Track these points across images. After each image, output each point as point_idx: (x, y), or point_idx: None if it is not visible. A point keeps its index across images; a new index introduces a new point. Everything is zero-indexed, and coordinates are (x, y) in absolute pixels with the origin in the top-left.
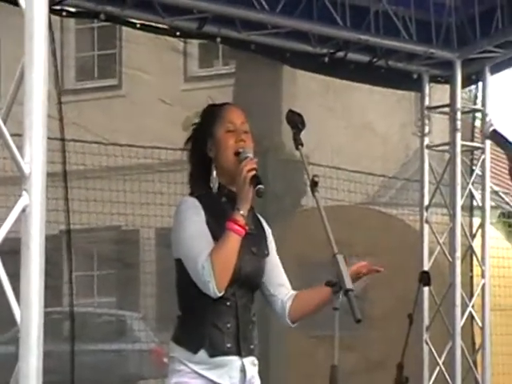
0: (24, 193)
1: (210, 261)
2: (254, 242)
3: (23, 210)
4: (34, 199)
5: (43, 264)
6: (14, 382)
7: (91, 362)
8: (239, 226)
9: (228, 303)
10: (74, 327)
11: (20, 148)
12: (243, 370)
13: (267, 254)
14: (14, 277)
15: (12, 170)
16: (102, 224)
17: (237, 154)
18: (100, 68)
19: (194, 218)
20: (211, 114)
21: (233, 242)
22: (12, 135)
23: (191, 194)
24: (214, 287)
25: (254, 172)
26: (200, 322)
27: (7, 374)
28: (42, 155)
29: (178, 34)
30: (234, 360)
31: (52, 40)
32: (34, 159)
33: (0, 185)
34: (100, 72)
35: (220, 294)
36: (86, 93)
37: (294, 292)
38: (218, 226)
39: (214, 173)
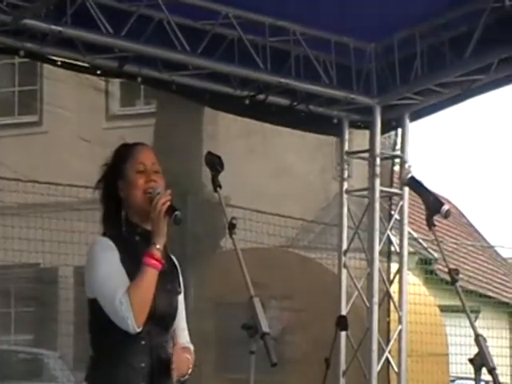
0: None
1: (127, 296)
2: (168, 280)
3: None
4: None
5: None
6: None
7: None
8: (156, 260)
9: (143, 342)
10: None
11: None
12: None
13: (180, 292)
14: None
15: None
16: (20, 261)
17: (147, 192)
18: (20, 104)
19: (108, 257)
20: (122, 155)
21: (150, 276)
22: None
23: (104, 234)
24: (132, 322)
25: (168, 203)
26: (114, 361)
27: None
28: None
29: (98, 72)
30: None
31: None
32: None
33: None
34: (20, 108)
35: (139, 330)
36: (5, 129)
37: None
38: (132, 265)
39: (123, 213)
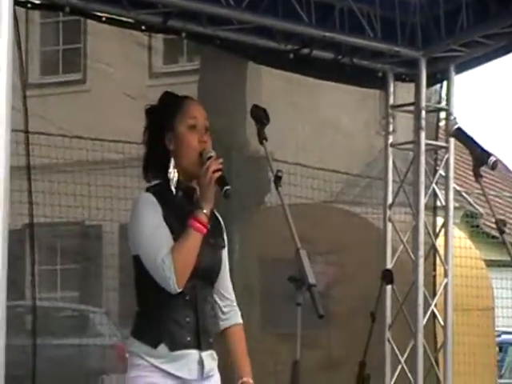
0: None
1: (171, 256)
2: (211, 234)
3: None
4: None
5: (6, 255)
6: None
7: (53, 357)
8: (201, 224)
9: (187, 297)
10: (37, 321)
11: None
12: (201, 363)
13: (224, 246)
14: None
15: None
16: (65, 217)
17: (199, 154)
18: (65, 62)
19: (151, 214)
20: (172, 106)
21: (194, 239)
22: None
23: (147, 189)
24: (174, 283)
25: (219, 173)
26: (159, 316)
27: None
28: (5, 145)
29: (143, 28)
30: (193, 353)
31: (17, 32)
32: None
33: None
34: (65, 66)
35: (179, 290)
36: (50, 87)
37: (232, 318)
38: (175, 221)
39: (172, 166)
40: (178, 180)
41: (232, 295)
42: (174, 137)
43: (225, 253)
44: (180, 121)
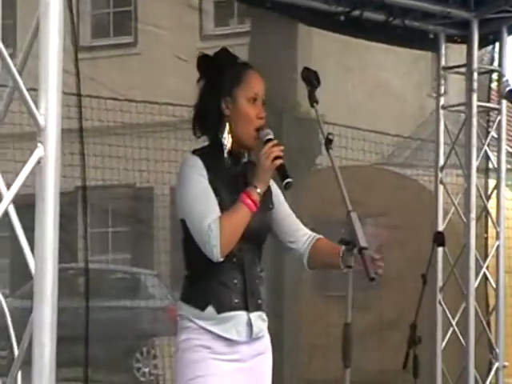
0: (39, 145)
1: (218, 225)
2: None
3: (38, 162)
4: (49, 151)
5: (58, 216)
6: (29, 333)
7: (105, 319)
8: (253, 201)
9: (234, 259)
10: (87, 284)
11: (35, 102)
12: (250, 324)
13: (271, 208)
14: (29, 230)
15: (29, 124)
16: (117, 180)
17: (258, 130)
18: (115, 25)
19: (196, 178)
20: (233, 71)
21: (244, 214)
22: (28, 89)
23: (194, 152)
24: (217, 251)
25: (281, 161)
26: (207, 279)
27: (22, 328)
28: (57, 107)
29: None
30: (241, 315)
31: None
32: (50, 111)
33: (17, 140)
34: (115, 29)
35: (221, 259)
36: (101, 50)
37: (311, 238)
38: (221, 184)
39: (226, 132)
40: (234, 144)
41: (304, 228)
42: (232, 104)
43: (281, 198)
44: (241, 90)
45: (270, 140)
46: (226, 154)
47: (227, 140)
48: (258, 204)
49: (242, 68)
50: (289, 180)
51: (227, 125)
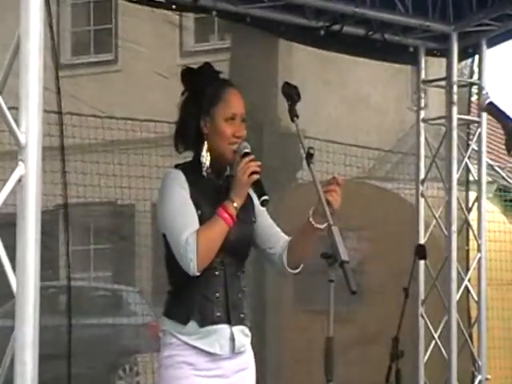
0: (20, 163)
1: (195, 238)
2: (241, 209)
3: (19, 180)
4: (31, 169)
5: (39, 234)
6: (10, 352)
7: (87, 336)
8: (229, 215)
9: (216, 272)
10: (69, 301)
11: (16, 120)
12: (232, 339)
13: (254, 221)
14: (10, 249)
15: (10, 143)
16: (98, 197)
17: (232, 144)
18: (96, 42)
19: (177, 192)
20: (212, 89)
21: (220, 228)
22: (9, 108)
23: (176, 167)
24: (194, 266)
25: (257, 176)
26: (189, 293)
27: (3, 347)
28: (37, 125)
29: (173, 7)
30: (224, 328)
31: (49, 13)
32: (31, 129)
33: None
34: (96, 47)
35: (198, 274)
36: (82, 67)
37: (286, 240)
38: (202, 198)
39: (205, 149)
40: (213, 162)
41: (281, 236)
42: (210, 123)
43: (265, 213)
44: (219, 109)
45: (247, 154)
46: (204, 173)
47: (205, 158)
48: (234, 218)
49: (221, 86)
50: (265, 198)
51: (205, 143)
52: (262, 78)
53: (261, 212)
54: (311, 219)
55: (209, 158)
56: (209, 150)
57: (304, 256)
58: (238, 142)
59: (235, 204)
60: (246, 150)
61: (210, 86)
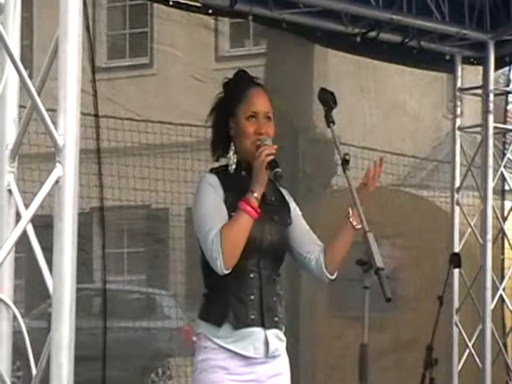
0: (58, 164)
1: (219, 237)
2: (275, 212)
3: (56, 182)
4: (68, 171)
5: (76, 235)
6: (46, 353)
7: (121, 339)
8: (252, 207)
9: (251, 275)
10: (105, 304)
11: (54, 122)
12: (266, 342)
13: (289, 223)
14: (47, 251)
15: (46, 145)
16: (133, 200)
17: (255, 143)
18: (132, 46)
19: (211, 196)
20: (236, 92)
21: (244, 221)
22: (46, 110)
23: (211, 171)
24: (221, 264)
25: (271, 157)
26: (224, 296)
27: (39, 347)
28: (75, 127)
29: (209, 11)
30: (258, 331)
31: (86, 16)
32: (68, 131)
33: (34, 161)
34: (132, 50)
35: (227, 272)
36: (117, 71)
37: (323, 246)
38: (237, 202)
39: (232, 152)
40: (239, 163)
41: (321, 243)
42: (235, 124)
43: (298, 214)
44: (241, 109)
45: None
46: (231, 172)
47: (232, 160)
48: (257, 208)
49: (245, 87)
50: (277, 170)
51: (232, 145)
52: (298, 83)
53: (297, 216)
54: (351, 219)
55: (235, 160)
56: (238, 151)
57: (341, 258)
58: (259, 138)
59: (255, 194)
60: (266, 142)
61: (236, 89)
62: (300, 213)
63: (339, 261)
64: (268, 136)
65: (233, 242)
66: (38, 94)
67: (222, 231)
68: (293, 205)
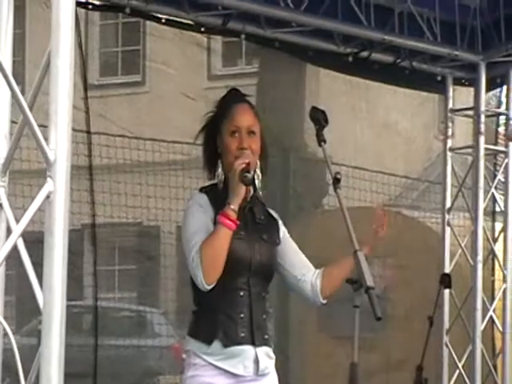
0: (48, 179)
1: (199, 253)
2: (264, 231)
3: (47, 197)
4: (59, 185)
5: (66, 249)
6: (36, 367)
7: (111, 357)
8: (229, 220)
9: (241, 293)
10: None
11: (45, 138)
12: (256, 360)
13: (278, 243)
14: (37, 266)
15: (38, 160)
16: (125, 217)
17: (236, 158)
18: (124, 64)
19: (198, 215)
20: (222, 109)
21: (222, 235)
22: (38, 126)
23: (201, 190)
24: (201, 280)
25: (242, 166)
26: (213, 313)
27: (29, 364)
28: (66, 142)
29: (202, 29)
30: (248, 349)
31: (78, 33)
32: (59, 146)
33: (25, 176)
34: (124, 68)
35: (209, 287)
36: (110, 88)
37: (319, 270)
38: None
39: (220, 169)
40: (227, 179)
41: (311, 265)
42: (220, 141)
43: (288, 236)
44: (225, 126)
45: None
46: (220, 189)
47: (220, 176)
48: (235, 220)
49: (230, 104)
50: (246, 174)
51: (219, 162)
52: (289, 103)
53: (287, 239)
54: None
55: (223, 177)
56: (225, 168)
57: (337, 287)
58: (239, 154)
59: (232, 206)
60: (247, 160)
61: (222, 106)
62: (288, 235)
63: (335, 289)
64: (252, 150)
65: (212, 256)
66: (30, 109)
67: (201, 247)
68: (282, 227)
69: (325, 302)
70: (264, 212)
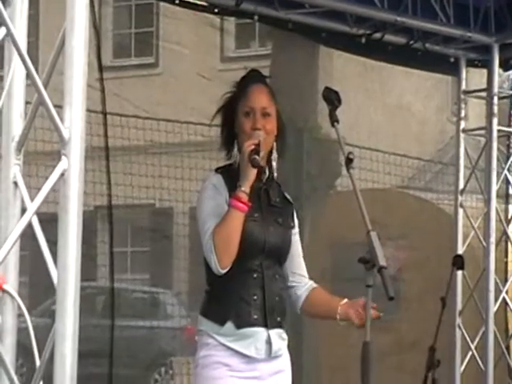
0: (63, 157)
1: (212, 238)
2: (279, 214)
3: (62, 175)
4: (73, 163)
5: (81, 227)
6: (50, 344)
7: (123, 338)
8: (241, 202)
9: (255, 275)
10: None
11: (60, 117)
12: (269, 342)
13: (293, 226)
14: (51, 244)
15: (52, 141)
16: (137, 199)
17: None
18: (137, 45)
19: (213, 196)
20: (239, 90)
21: (234, 218)
22: (53, 106)
23: (216, 170)
24: (216, 263)
25: (251, 147)
26: (227, 294)
27: (42, 344)
28: (81, 120)
29: (215, 10)
30: (260, 331)
31: (93, 12)
32: (74, 124)
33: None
34: (137, 49)
35: (223, 271)
36: (123, 70)
37: (310, 284)
38: None
39: (236, 149)
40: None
41: (306, 274)
42: (237, 121)
43: (296, 235)
44: (240, 106)
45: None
46: (235, 166)
47: (235, 157)
48: (247, 202)
49: (246, 84)
50: (254, 156)
51: (235, 142)
52: (303, 84)
53: (295, 238)
54: (338, 315)
55: (238, 157)
56: (239, 148)
57: (315, 317)
58: (254, 134)
59: (243, 188)
60: (260, 139)
61: (239, 87)
62: (298, 236)
63: (313, 317)
64: (266, 131)
65: (225, 240)
66: (45, 88)
67: (214, 231)
68: (296, 221)
69: (299, 313)
70: (280, 194)
